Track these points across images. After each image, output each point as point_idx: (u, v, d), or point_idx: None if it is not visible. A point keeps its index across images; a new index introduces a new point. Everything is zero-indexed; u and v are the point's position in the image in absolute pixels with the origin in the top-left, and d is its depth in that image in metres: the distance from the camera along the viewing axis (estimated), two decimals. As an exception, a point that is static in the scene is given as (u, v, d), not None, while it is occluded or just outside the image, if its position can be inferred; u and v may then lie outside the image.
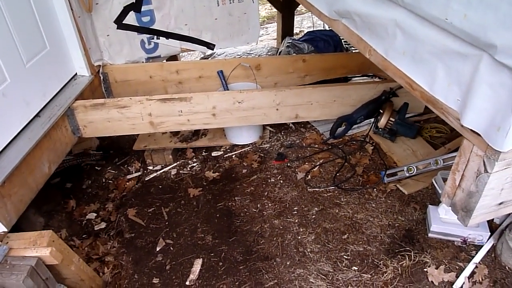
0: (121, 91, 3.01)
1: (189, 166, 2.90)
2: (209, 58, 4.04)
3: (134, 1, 2.73)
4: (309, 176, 2.58)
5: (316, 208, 2.33)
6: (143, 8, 2.78)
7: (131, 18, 2.79)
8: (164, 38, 2.93)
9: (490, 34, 1.02)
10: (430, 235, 2.07)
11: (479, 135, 1.15)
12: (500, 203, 1.29)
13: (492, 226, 2.07)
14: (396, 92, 2.65)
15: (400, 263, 1.95)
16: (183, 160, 2.95)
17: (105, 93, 2.97)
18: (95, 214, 2.64)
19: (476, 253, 1.97)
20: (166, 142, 3.00)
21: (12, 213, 1.93)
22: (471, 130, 1.18)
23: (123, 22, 2.78)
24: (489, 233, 1.99)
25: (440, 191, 2.24)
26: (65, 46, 2.52)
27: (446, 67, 1.23)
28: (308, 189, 2.48)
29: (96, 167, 3.05)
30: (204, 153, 2.99)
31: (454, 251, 2.00)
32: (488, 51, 1.05)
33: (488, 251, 1.97)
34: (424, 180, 2.38)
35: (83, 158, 3.10)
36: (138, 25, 2.82)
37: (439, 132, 2.76)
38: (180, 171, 2.86)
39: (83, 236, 2.48)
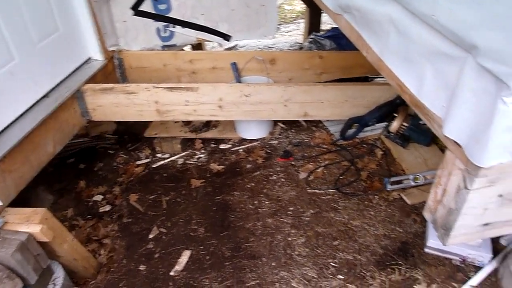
0: (136, 77, 3.04)
1: (196, 156, 2.89)
2: (231, 50, 4.01)
3: (152, -12, 2.73)
4: (311, 176, 2.50)
5: (311, 211, 2.24)
6: (160, -4, 2.78)
7: (148, 5, 2.80)
8: (180, 27, 2.92)
9: (472, 33, 0.92)
10: (426, 250, 1.93)
11: (461, 147, 1.04)
12: (486, 224, 1.17)
13: (497, 247, 1.90)
14: (413, 96, 2.50)
15: (388, 277, 1.83)
16: (191, 150, 2.95)
17: (120, 79, 3.01)
18: (102, 197, 2.69)
19: (475, 274, 1.81)
20: (177, 131, 3.00)
21: (11, 188, 1.98)
22: (454, 140, 1.07)
23: (140, 8, 2.79)
24: (491, 255, 1.83)
25: (447, 205, 2.09)
26: (79, 30, 2.57)
27: (433, 70, 1.13)
28: (308, 190, 2.39)
29: (110, 151, 3.10)
30: (212, 145, 2.97)
31: (451, 270, 1.86)
32: (472, 53, 0.94)
33: (489, 274, 1.82)
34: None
35: (98, 141, 3.17)
36: (154, 12, 2.83)
37: (458, 142, 2.57)
38: (187, 161, 2.85)
39: (88, 216, 2.53)
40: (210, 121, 3.04)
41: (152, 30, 2.91)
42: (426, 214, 1.28)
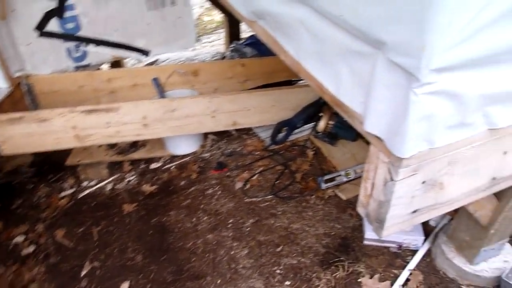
0: (49, 102, 2.81)
1: (126, 180, 2.73)
2: (153, 65, 3.88)
3: (56, 7, 2.55)
4: (247, 185, 2.47)
5: (251, 220, 2.21)
6: (67, 14, 2.60)
7: (54, 25, 2.61)
8: (93, 45, 2.76)
9: (379, 30, 0.94)
10: (365, 242, 1.99)
11: (382, 140, 1.07)
12: (414, 211, 1.21)
13: (427, 229, 2.01)
14: (335, 95, 2.58)
15: (333, 275, 1.86)
16: (120, 174, 2.78)
17: (31, 106, 2.77)
18: (23, 237, 2.43)
19: (412, 258, 1.90)
20: (102, 155, 2.82)
21: None
22: (375, 135, 1.09)
23: (46, 29, 2.59)
24: (424, 237, 1.93)
25: (378, 195, 2.17)
26: (-25, 57, 2.32)
27: (349, 68, 1.15)
28: (245, 200, 2.36)
29: (28, 185, 2.83)
30: (142, 166, 2.82)
31: (390, 258, 1.93)
32: (381, 49, 0.97)
33: (424, 255, 1.91)
34: (363, 184, 2.31)
35: (14, 176, 2.88)
36: (62, 32, 2.64)
37: (381, 134, 2.70)
38: (116, 186, 2.69)
39: (9, 262, 2.27)
40: (138, 141, 2.90)
41: (62, 51, 2.71)
42: (360, 209, 1.30)
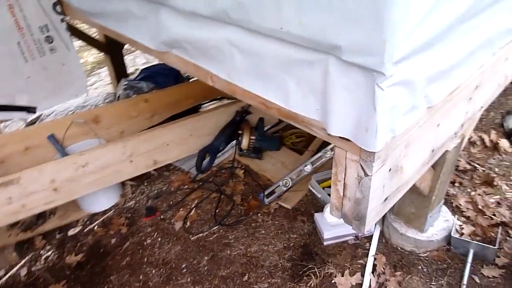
0: None
1: (43, 257, 2.35)
2: (37, 122, 3.44)
3: None
4: (188, 222, 2.32)
5: (206, 257, 2.08)
6: None
7: None
8: (-37, 114, 2.33)
9: (331, 36, 0.94)
10: (325, 243, 2.02)
11: (349, 140, 1.08)
12: (385, 199, 1.25)
13: (373, 213, 2.13)
14: (249, 110, 2.60)
15: (308, 285, 1.84)
16: (33, 253, 2.38)
17: None
18: None
19: (370, 244, 1.98)
20: (4, 238, 2.38)
21: None
22: (339, 137, 1.10)
23: None
24: (374, 222, 2.03)
25: (319, 195, 2.23)
26: None
27: (295, 78, 1.14)
28: (192, 238, 2.21)
29: None
30: (58, 236, 2.46)
31: (351, 251, 1.98)
32: (333, 53, 0.98)
33: (379, 238, 2.01)
34: (302, 188, 2.36)
35: None
36: None
37: (299, 137, 2.80)
38: (32, 268, 2.29)
39: None
40: (45, 210, 2.52)
41: None
42: (334, 213, 1.30)
